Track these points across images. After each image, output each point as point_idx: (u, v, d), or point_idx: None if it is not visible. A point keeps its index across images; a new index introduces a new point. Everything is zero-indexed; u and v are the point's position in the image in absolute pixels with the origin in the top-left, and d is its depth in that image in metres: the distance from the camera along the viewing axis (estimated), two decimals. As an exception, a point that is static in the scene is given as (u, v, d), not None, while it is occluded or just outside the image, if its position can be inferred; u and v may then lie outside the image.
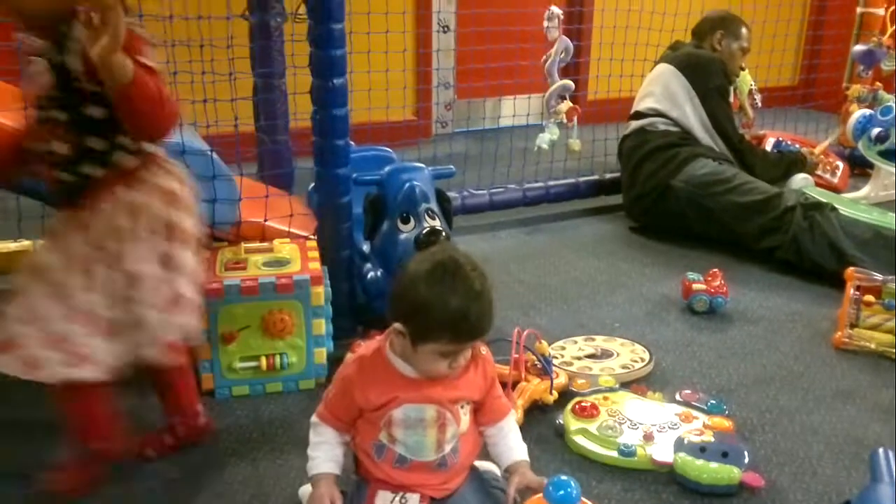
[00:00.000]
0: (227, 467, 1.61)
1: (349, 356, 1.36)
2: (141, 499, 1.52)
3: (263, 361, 1.83)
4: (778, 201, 2.62)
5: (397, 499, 1.31)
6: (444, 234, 2.01)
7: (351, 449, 1.37)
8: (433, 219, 2.01)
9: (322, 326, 1.87)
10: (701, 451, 1.54)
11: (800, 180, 3.06)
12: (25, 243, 2.40)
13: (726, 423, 1.65)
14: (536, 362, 1.85)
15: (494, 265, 2.64)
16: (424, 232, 1.98)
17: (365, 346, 1.36)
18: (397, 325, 1.25)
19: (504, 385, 1.72)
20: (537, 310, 2.34)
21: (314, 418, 1.36)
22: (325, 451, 1.33)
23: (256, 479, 1.57)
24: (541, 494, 1.22)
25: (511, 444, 1.38)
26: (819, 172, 3.34)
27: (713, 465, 1.51)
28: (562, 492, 1.20)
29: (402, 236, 1.98)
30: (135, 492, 1.53)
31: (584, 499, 1.21)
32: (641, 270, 2.64)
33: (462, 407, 1.33)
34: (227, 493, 1.53)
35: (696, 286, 2.30)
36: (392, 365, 1.30)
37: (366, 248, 2.09)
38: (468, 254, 1.27)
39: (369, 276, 2.02)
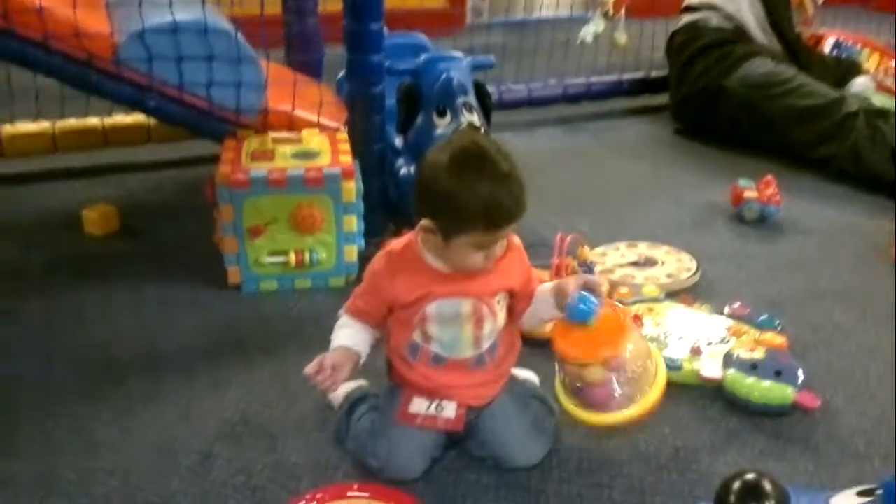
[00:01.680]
0: (254, 364, 1.55)
1: (379, 253, 1.27)
2: (167, 393, 1.47)
3: (292, 257, 1.75)
4: (839, 106, 2.45)
5: (433, 406, 1.25)
6: (482, 129, 1.89)
7: (385, 355, 1.30)
8: (471, 113, 1.88)
9: (353, 223, 1.78)
10: (752, 368, 1.46)
11: (860, 84, 2.85)
12: (44, 125, 2.33)
13: (779, 340, 1.56)
14: (577, 269, 1.76)
15: (531, 165, 2.42)
16: (462, 127, 1.85)
17: (394, 242, 1.27)
18: (425, 222, 1.16)
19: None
20: (576, 213, 2.22)
21: (341, 312, 1.28)
22: (348, 332, 1.26)
23: (283, 377, 1.51)
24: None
25: (541, 293, 1.28)
26: (880, 77, 3.12)
27: (765, 383, 1.42)
28: (582, 305, 1.19)
29: (438, 131, 1.86)
30: (160, 389, 1.48)
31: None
32: (687, 175, 2.50)
33: (499, 302, 1.25)
34: (254, 390, 1.48)
35: (747, 193, 2.17)
36: (423, 259, 1.21)
37: (399, 142, 1.97)
38: (491, 137, 1.17)
39: (402, 171, 1.91)
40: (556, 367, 1.39)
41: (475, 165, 1.11)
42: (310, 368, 1.20)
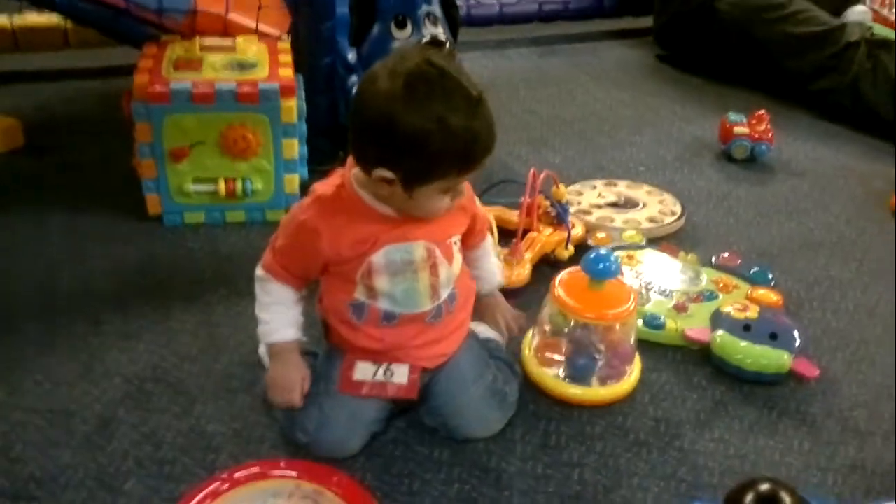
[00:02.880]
0: (173, 310, 1.33)
1: (302, 200, 1.04)
2: (67, 343, 1.24)
3: (222, 185, 1.52)
4: (839, 35, 2.24)
5: (381, 370, 1.05)
6: (447, 44, 1.65)
7: (318, 313, 1.09)
8: (435, 26, 1.66)
9: (294, 148, 1.54)
10: (745, 329, 1.28)
11: (858, 12, 2.63)
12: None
13: (773, 297, 1.38)
14: (550, 209, 1.55)
15: (501, 90, 2.30)
16: (424, 41, 1.62)
17: (321, 184, 1.04)
18: (379, 172, 0.92)
19: (512, 235, 1.44)
20: (550, 146, 2.01)
21: (260, 271, 1.06)
22: (281, 314, 1.05)
23: (208, 327, 1.30)
24: (578, 268, 1.18)
25: (490, 268, 1.21)
26: (876, 7, 2.91)
27: (759, 347, 1.25)
28: (601, 265, 1.14)
29: (397, 44, 1.63)
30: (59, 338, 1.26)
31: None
32: (671, 107, 2.29)
33: (455, 243, 1.06)
34: (171, 342, 1.26)
35: (737, 129, 1.97)
36: (362, 202, 0.99)
37: (351, 56, 1.73)
38: (442, 52, 0.97)
39: (355, 90, 1.66)
40: (533, 331, 1.22)
41: (442, 94, 0.89)
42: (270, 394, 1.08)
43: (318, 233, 0.99)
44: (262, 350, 1.21)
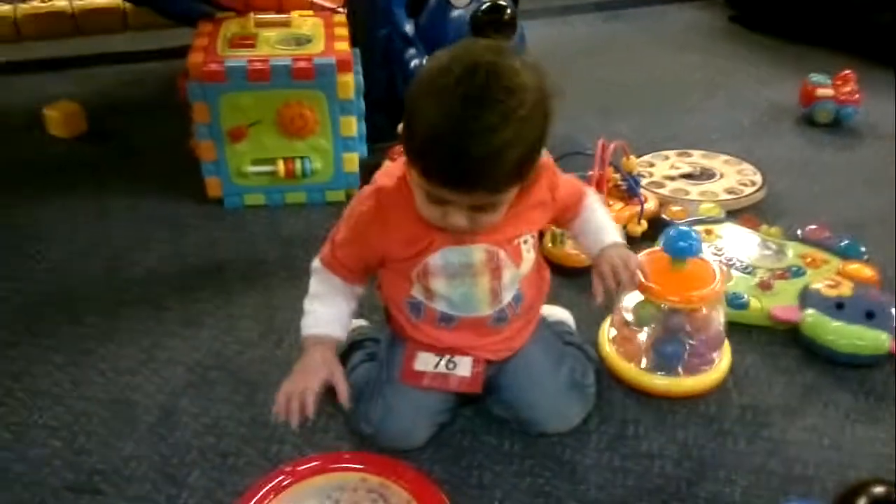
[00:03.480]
0: (234, 295, 1.31)
1: (364, 189, 0.97)
2: (129, 330, 1.23)
3: (281, 166, 1.48)
4: (933, -16, 2.07)
5: (443, 362, 0.99)
6: (508, 11, 1.58)
7: (379, 300, 1.04)
8: (495, -8, 1.58)
9: (352, 125, 1.49)
10: (837, 307, 1.18)
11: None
12: (4, 8, 2.04)
13: (867, 272, 1.28)
14: (620, 182, 1.47)
15: (565, 58, 2.20)
16: (483, 8, 1.57)
17: (384, 173, 0.97)
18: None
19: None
20: (617, 115, 1.92)
21: (316, 263, 1.00)
22: (329, 306, 0.99)
23: (268, 311, 1.27)
24: (657, 248, 1.13)
25: (598, 224, 1.06)
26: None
27: (854, 327, 1.15)
28: (683, 242, 1.07)
29: (455, 13, 1.60)
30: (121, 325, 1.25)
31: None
32: (746, 70, 2.18)
33: (525, 242, 0.97)
34: (234, 329, 1.24)
35: (820, 91, 1.84)
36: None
37: (409, 27, 1.68)
38: (528, 61, 0.83)
39: (413, 63, 1.63)
40: (610, 318, 1.15)
41: (462, 89, 0.78)
42: (278, 407, 0.93)
43: (375, 226, 0.93)
44: None
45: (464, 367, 0.99)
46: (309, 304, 1.00)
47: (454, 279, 0.95)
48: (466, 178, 0.81)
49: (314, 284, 1.00)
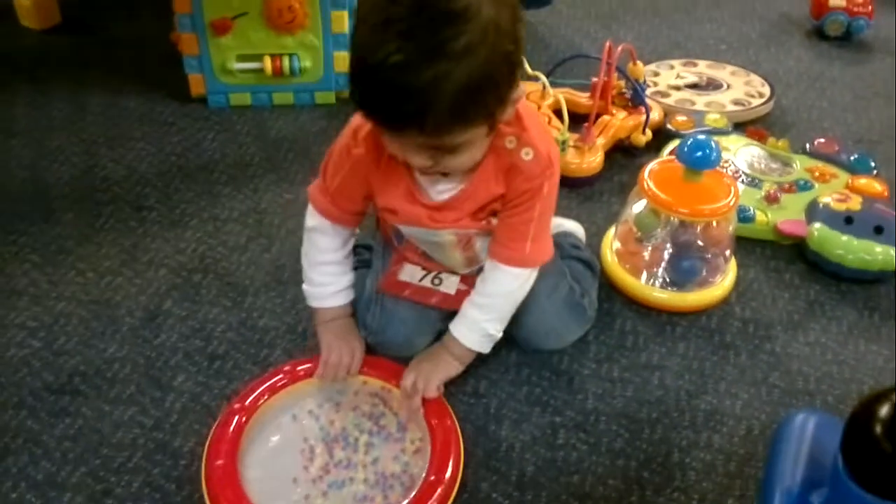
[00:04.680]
0: (220, 197, 1.25)
1: (352, 123, 0.87)
2: (110, 230, 1.17)
3: (268, 62, 1.40)
4: None
5: (429, 277, 0.95)
6: None
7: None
8: None
9: (344, 21, 1.40)
10: (846, 222, 1.15)
11: None
12: None
13: (877, 186, 1.24)
14: (624, 90, 1.40)
15: None
16: None
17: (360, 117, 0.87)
18: None
19: (583, 119, 1.30)
20: (620, 22, 1.84)
21: (311, 218, 0.92)
22: (335, 274, 0.94)
23: (257, 215, 1.22)
24: (669, 157, 1.07)
25: (482, 296, 0.90)
26: None
27: (862, 242, 1.12)
28: (700, 153, 1.01)
29: None
30: (101, 224, 1.19)
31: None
32: (755, -23, 2.07)
33: (494, 215, 0.88)
34: (219, 230, 1.18)
35: (832, 2, 1.77)
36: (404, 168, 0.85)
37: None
38: None
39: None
40: (614, 229, 1.11)
41: (398, 4, 0.66)
42: (319, 373, 0.92)
43: (366, 170, 0.86)
44: None
45: (449, 284, 0.95)
46: (312, 272, 0.94)
47: (424, 245, 0.93)
48: (391, 116, 0.71)
49: (312, 249, 0.94)
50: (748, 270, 1.15)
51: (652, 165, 1.08)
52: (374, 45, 0.66)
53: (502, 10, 0.69)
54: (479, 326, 0.90)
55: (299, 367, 0.93)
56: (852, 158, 1.31)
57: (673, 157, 1.06)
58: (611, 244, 1.14)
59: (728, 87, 1.54)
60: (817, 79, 1.65)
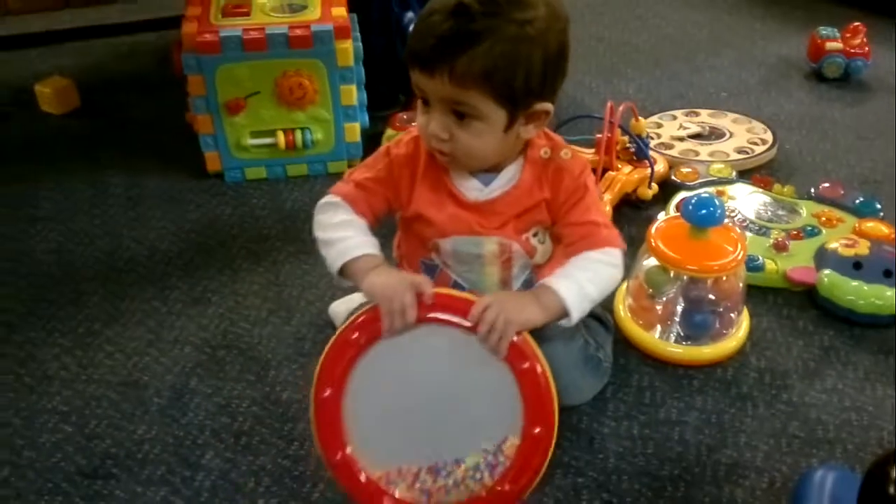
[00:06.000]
0: (240, 272, 1.29)
1: (402, 136, 0.94)
2: (134, 311, 1.21)
3: (281, 137, 1.45)
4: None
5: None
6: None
7: (395, 259, 1.00)
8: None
9: (352, 94, 1.45)
10: (855, 267, 1.16)
11: None
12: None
13: (884, 230, 1.25)
14: (628, 144, 1.44)
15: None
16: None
17: (396, 142, 0.94)
18: None
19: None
20: (622, 75, 1.88)
21: (329, 197, 0.93)
22: (358, 231, 0.90)
23: (276, 288, 1.25)
24: (675, 214, 1.10)
25: (574, 269, 0.88)
26: None
27: (873, 286, 1.13)
28: (704, 210, 1.03)
29: None
30: (125, 306, 1.22)
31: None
32: (752, 25, 2.12)
33: (535, 235, 0.93)
34: (241, 306, 1.21)
35: (829, 45, 1.80)
36: (443, 171, 0.90)
37: (406, -10, 1.62)
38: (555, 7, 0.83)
39: (411, 27, 1.56)
40: (627, 285, 1.13)
41: None
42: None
43: (408, 171, 0.90)
44: (332, 308, 1.15)
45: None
46: (332, 233, 0.89)
47: (462, 265, 0.93)
48: (429, 54, 0.79)
49: (327, 217, 0.91)
50: (761, 319, 1.16)
51: (659, 223, 1.10)
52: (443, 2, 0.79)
53: (558, 21, 0.82)
54: (578, 282, 0.86)
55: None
56: (857, 202, 1.33)
57: (679, 213, 1.09)
58: (623, 300, 1.16)
59: (731, 135, 1.57)
60: (818, 121, 1.67)
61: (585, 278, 0.87)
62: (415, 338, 0.82)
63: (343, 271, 0.88)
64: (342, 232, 0.90)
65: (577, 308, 0.86)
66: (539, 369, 0.82)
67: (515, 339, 0.81)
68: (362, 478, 0.84)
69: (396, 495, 0.84)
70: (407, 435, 0.84)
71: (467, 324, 0.81)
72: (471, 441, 0.84)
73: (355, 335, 0.83)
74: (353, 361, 0.83)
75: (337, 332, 0.85)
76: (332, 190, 0.93)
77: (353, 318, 0.84)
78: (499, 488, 0.84)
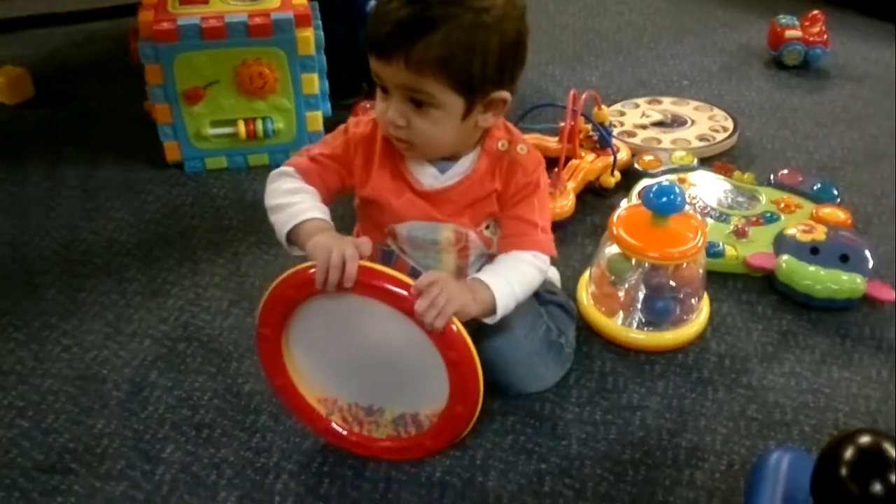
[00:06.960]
0: (200, 262, 1.27)
1: (363, 117, 0.95)
2: (92, 304, 1.19)
3: (241, 127, 1.43)
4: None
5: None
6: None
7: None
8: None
9: (314, 83, 1.44)
10: (812, 252, 1.18)
11: None
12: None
13: (841, 215, 1.28)
14: (591, 133, 1.44)
15: (530, 5, 2.11)
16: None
17: (356, 122, 0.95)
18: None
19: (552, 164, 1.33)
20: (585, 63, 1.88)
21: (282, 168, 0.93)
22: (308, 197, 0.90)
23: (237, 279, 1.24)
24: (636, 202, 1.10)
25: (503, 268, 0.91)
26: None
27: (830, 271, 1.15)
28: (665, 198, 1.04)
29: None
30: (83, 298, 1.20)
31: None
32: (713, 12, 2.14)
33: (487, 227, 0.95)
34: (202, 297, 1.20)
35: (788, 33, 1.82)
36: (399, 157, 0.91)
37: (369, -23, 1.60)
38: None
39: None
40: (589, 273, 1.13)
41: None
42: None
43: (364, 150, 0.91)
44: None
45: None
46: (282, 199, 0.89)
47: (419, 251, 0.94)
48: (386, 40, 0.79)
49: (279, 185, 0.91)
50: (721, 304, 1.18)
51: (620, 211, 1.11)
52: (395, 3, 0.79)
53: (515, 9, 0.83)
54: (510, 283, 0.88)
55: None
56: (815, 188, 1.35)
57: (640, 201, 1.09)
58: (586, 287, 1.16)
59: (692, 122, 1.59)
60: (778, 108, 1.69)
61: (516, 279, 0.90)
62: (356, 300, 0.83)
63: (291, 237, 0.88)
64: (292, 198, 0.90)
65: (504, 308, 0.89)
66: (467, 357, 0.84)
67: (451, 325, 0.82)
68: (302, 401, 0.93)
69: (332, 420, 0.94)
70: (342, 376, 0.92)
71: (405, 293, 0.81)
72: (398, 398, 0.91)
73: (292, 291, 0.85)
74: (291, 308, 0.87)
75: (282, 276, 0.85)
76: (287, 162, 0.94)
77: (304, 266, 0.84)
78: (419, 441, 0.92)
